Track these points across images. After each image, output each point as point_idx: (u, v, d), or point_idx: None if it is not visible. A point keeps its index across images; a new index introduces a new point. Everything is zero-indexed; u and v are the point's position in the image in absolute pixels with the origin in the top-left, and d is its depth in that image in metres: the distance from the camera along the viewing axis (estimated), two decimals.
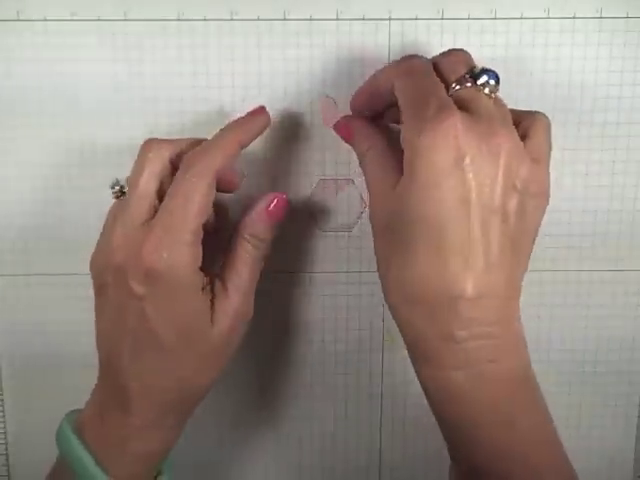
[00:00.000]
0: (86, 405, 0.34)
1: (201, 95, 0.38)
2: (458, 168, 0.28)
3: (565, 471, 0.31)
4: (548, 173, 0.31)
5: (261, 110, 0.35)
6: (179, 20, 0.37)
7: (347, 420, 0.43)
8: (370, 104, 0.34)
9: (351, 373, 0.42)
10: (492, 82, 0.30)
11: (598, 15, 0.37)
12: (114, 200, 0.33)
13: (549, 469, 0.30)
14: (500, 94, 0.31)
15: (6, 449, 0.42)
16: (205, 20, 0.37)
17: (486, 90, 0.30)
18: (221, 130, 0.33)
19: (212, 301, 0.32)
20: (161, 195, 0.32)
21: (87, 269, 0.33)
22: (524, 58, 0.38)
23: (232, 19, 0.37)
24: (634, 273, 0.41)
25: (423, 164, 0.28)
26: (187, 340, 0.32)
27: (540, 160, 0.30)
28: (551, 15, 0.37)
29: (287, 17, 0.37)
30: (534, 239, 0.31)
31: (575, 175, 0.39)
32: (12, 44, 0.37)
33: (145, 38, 0.37)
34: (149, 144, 0.32)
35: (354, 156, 0.39)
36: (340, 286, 0.41)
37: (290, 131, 0.38)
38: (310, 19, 0.37)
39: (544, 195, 0.30)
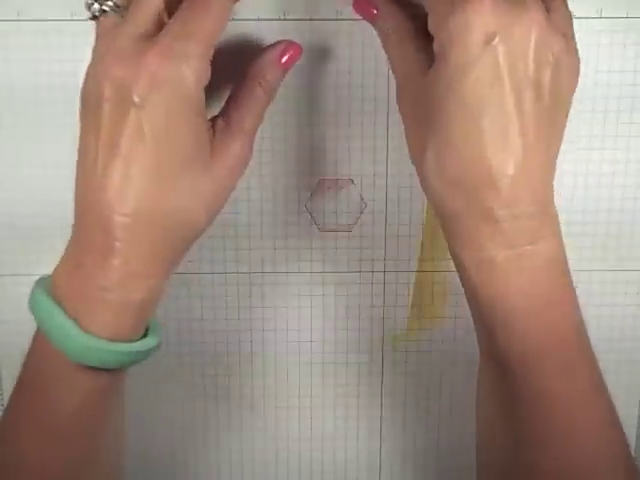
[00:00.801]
0: (59, 262, 0.31)
1: None
2: (490, 46, 0.28)
3: (596, 364, 0.31)
4: (576, 46, 0.31)
5: None
6: None
7: (347, 420, 0.43)
8: None
9: (351, 373, 0.42)
10: None
11: (598, 15, 0.37)
12: (93, 22, 0.31)
13: (584, 358, 0.31)
14: None
15: None
16: None
17: None
18: None
19: (214, 137, 0.31)
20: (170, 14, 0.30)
21: None
22: None
23: (233, 19, 0.37)
24: (634, 273, 0.41)
25: (455, 45, 0.28)
26: (185, 166, 0.30)
27: (567, 34, 0.30)
28: None
29: (287, 17, 0.37)
30: (567, 115, 0.31)
31: (575, 175, 0.39)
32: (12, 44, 0.37)
33: None
34: None
35: (354, 156, 0.39)
36: (340, 286, 0.41)
37: (290, 130, 0.38)
38: (310, 19, 0.37)
39: (576, 69, 0.30)
